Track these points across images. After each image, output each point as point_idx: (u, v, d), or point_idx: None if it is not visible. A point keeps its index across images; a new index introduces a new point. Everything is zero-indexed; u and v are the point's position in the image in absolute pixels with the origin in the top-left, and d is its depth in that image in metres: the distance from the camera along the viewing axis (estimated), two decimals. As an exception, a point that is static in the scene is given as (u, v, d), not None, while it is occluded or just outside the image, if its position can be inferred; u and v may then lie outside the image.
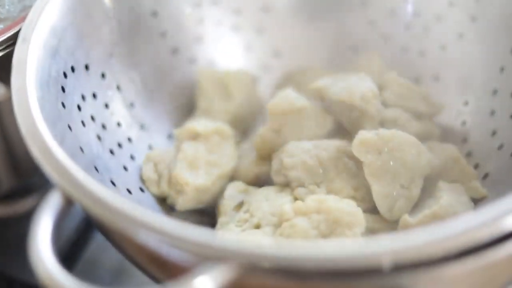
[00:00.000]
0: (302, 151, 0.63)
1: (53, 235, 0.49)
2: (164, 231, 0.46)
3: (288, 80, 0.73)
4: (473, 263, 0.46)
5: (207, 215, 0.65)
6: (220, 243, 0.45)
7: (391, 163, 0.60)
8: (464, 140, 0.68)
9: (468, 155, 0.66)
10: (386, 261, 0.45)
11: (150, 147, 0.68)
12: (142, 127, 0.69)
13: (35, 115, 0.54)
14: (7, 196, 0.75)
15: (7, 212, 0.77)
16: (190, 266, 0.46)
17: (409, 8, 0.72)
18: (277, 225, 0.58)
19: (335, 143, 0.63)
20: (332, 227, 0.57)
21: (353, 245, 0.47)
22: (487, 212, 0.46)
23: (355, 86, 0.64)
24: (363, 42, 0.74)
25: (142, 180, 0.65)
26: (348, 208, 0.58)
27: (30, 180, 0.75)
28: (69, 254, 0.73)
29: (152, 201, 0.65)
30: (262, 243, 0.47)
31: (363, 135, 0.61)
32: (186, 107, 0.72)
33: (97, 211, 0.48)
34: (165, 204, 0.65)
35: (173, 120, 0.71)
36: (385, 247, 0.45)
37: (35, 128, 0.53)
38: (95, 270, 0.73)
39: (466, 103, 0.69)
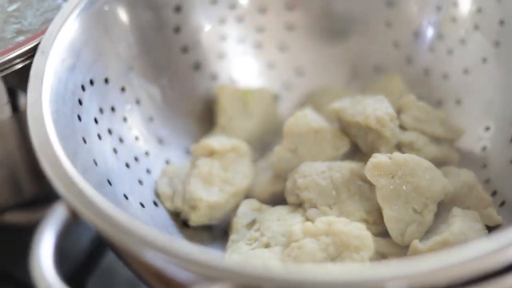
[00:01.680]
0: (316, 172, 0.62)
1: (56, 248, 0.49)
2: (164, 248, 0.46)
3: (309, 99, 0.73)
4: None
5: (219, 231, 0.65)
6: (218, 264, 0.45)
7: (404, 187, 0.60)
8: (484, 166, 0.67)
9: (487, 181, 0.65)
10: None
11: (167, 162, 0.69)
12: (160, 141, 0.69)
13: (49, 129, 0.54)
14: (29, 204, 0.76)
15: (29, 219, 0.78)
16: (191, 284, 0.46)
17: (434, 30, 0.71)
18: (286, 245, 0.58)
19: (349, 165, 0.63)
20: (340, 250, 0.56)
21: (358, 270, 0.46)
22: (497, 240, 0.45)
23: (371, 108, 0.64)
24: (387, 63, 0.73)
25: (157, 194, 0.66)
26: (357, 231, 0.57)
27: (52, 188, 0.76)
28: (85, 266, 0.74)
29: (165, 216, 0.65)
30: (260, 265, 0.47)
31: (377, 158, 0.60)
32: (206, 123, 0.72)
33: (102, 227, 0.49)
34: (178, 219, 0.65)
35: (192, 136, 0.71)
36: (391, 273, 0.44)
37: (48, 141, 0.53)
38: (111, 282, 0.73)
39: (487, 129, 0.68)
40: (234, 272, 0.45)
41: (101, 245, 0.75)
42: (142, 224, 0.48)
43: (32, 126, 0.54)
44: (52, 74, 0.59)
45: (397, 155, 0.60)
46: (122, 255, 0.54)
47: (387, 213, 0.60)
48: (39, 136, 0.54)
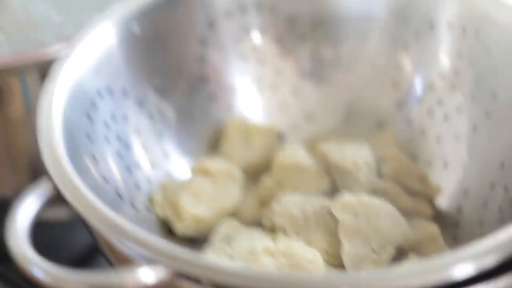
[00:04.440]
0: (291, 202, 0.68)
1: (34, 217, 0.57)
2: (121, 229, 0.53)
3: (311, 142, 0.79)
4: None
5: (203, 245, 0.70)
6: (159, 247, 0.51)
7: (365, 226, 0.64)
8: (456, 225, 0.71)
9: (454, 239, 0.69)
10: None
11: (168, 176, 0.75)
12: (166, 156, 0.75)
13: (54, 114, 0.62)
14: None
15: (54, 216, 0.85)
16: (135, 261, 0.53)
17: (435, 96, 0.76)
18: (246, 260, 0.63)
19: (322, 201, 0.68)
20: (293, 271, 0.61)
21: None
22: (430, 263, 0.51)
23: (351, 154, 0.70)
24: (388, 120, 0.79)
25: (150, 200, 0.72)
26: (311, 256, 0.62)
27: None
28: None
29: (154, 222, 0.71)
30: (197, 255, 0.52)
31: (344, 196, 0.66)
32: (213, 148, 0.78)
33: (75, 205, 0.56)
34: (165, 227, 0.72)
35: (198, 157, 0.77)
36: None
37: (50, 123, 0.61)
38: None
39: (465, 192, 0.72)
40: (172, 257, 0.51)
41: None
42: (107, 208, 0.55)
43: (40, 111, 0.63)
44: (73, 73, 0.67)
45: (363, 197, 0.66)
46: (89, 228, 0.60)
47: (346, 247, 0.64)
48: (43, 120, 0.62)
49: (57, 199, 0.58)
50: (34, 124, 0.73)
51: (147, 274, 0.51)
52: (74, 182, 0.57)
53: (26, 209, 0.57)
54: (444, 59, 0.76)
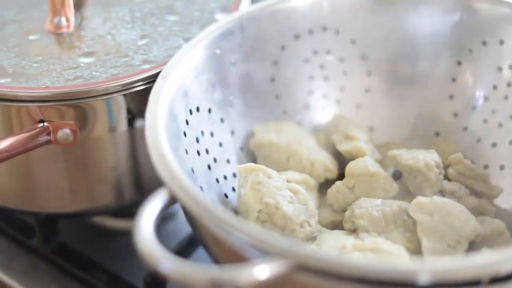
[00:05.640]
0: (371, 205, 0.75)
1: (156, 219, 0.62)
2: (238, 227, 0.59)
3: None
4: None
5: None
6: (277, 242, 0.58)
7: (441, 225, 0.71)
8: (517, 221, 0.78)
9: (517, 235, 0.77)
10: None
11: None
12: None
13: (160, 132, 0.68)
14: (131, 214, 0.91)
15: (128, 227, 0.92)
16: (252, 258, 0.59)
17: (489, 105, 0.84)
18: (336, 256, 0.70)
19: (399, 203, 0.76)
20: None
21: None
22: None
23: (422, 156, 0.78)
24: (446, 129, 0.86)
25: (237, 211, 0.79)
26: (398, 251, 0.69)
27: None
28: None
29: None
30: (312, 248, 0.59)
31: (420, 199, 0.73)
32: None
33: (191, 208, 0.62)
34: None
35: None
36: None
37: (158, 140, 0.67)
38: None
39: (524, 192, 0.79)
40: (293, 252, 0.57)
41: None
42: (220, 209, 0.62)
43: (148, 128, 0.69)
44: (168, 95, 0.73)
45: (436, 197, 0.73)
46: (199, 229, 0.67)
47: (425, 244, 0.71)
48: (152, 137, 0.68)
49: (173, 202, 0.65)
50: (118, 142, 0.82)
51: (264, 268, 0.57)
52: (189, 188, 0.63)
53: (149, 214, 0.63)
54: (497, 73, 0.83)
